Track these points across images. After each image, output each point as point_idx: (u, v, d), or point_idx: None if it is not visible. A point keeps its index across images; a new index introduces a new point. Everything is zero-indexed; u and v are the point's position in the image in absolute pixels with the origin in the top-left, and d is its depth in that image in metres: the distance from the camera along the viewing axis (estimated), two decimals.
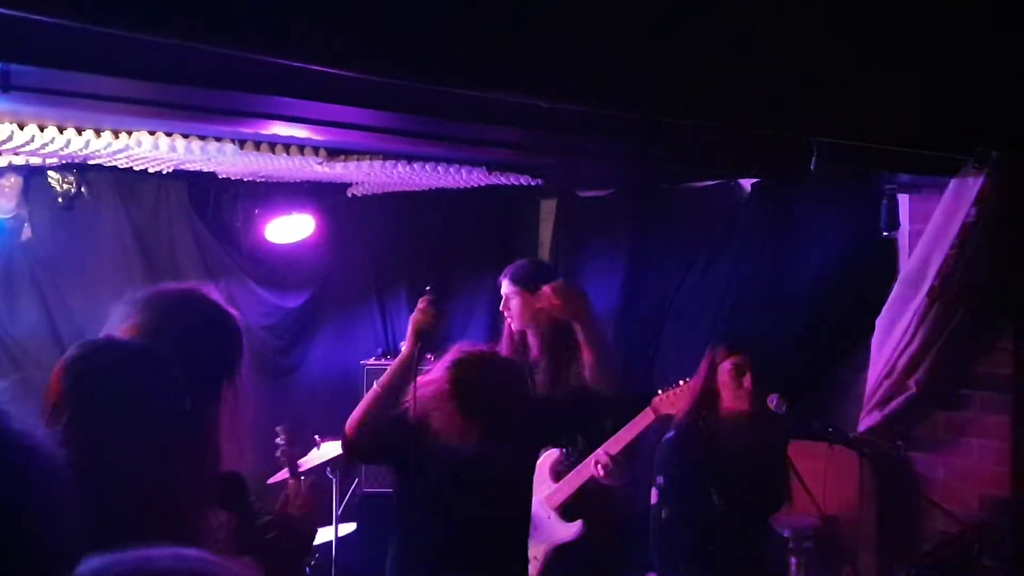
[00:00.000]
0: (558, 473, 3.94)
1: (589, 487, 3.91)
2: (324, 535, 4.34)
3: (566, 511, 3.92)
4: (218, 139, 3.23)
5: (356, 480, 4.73)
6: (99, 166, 3.70)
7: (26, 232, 4.22)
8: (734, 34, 2.69)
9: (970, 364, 3.91)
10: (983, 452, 3.90)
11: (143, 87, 2.22)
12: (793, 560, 4.26)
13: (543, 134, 2.82)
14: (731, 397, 3.60)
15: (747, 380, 3.55)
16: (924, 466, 4.08)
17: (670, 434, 3.72)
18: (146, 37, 1.80)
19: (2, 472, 0.93)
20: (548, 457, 3.94)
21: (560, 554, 3.91)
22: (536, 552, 3.89)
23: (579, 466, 3.89)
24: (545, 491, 3.92)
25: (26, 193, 4.16)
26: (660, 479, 3.68)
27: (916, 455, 4.10)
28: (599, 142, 2.99)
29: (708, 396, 3.67)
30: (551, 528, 3.92)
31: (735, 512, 3.57)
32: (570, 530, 3.90)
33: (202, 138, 3.19)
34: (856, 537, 3.89)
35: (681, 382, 3.84)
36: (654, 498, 3.70)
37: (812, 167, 2.87)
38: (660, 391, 3.90)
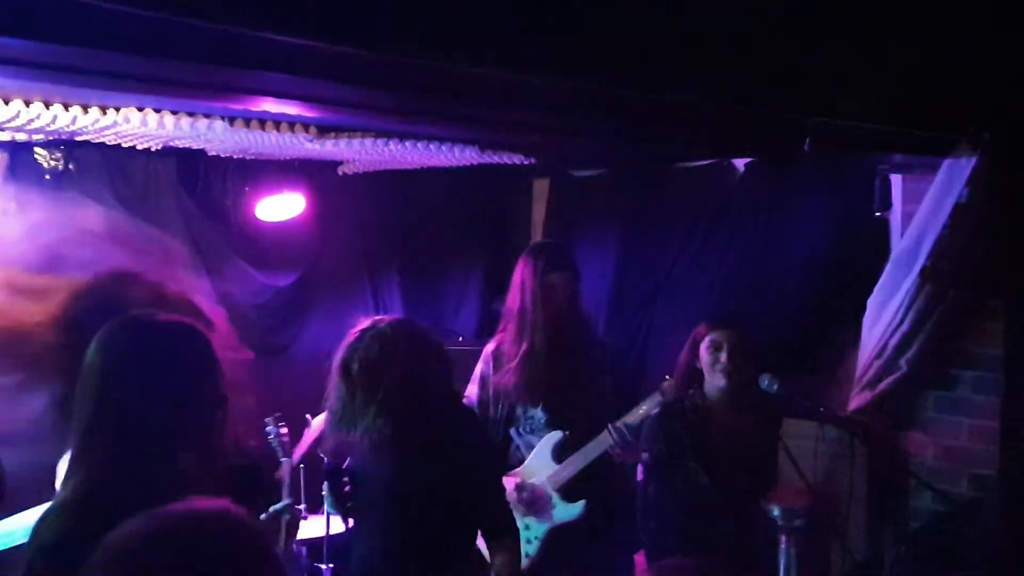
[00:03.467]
0: (561, 455, 3.94)
1: (594, 467, 3.92)
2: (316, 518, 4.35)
3: (569, 491, 3.93)
4: (207, 116, 3.20)
5: (348, 461, 4.73)
6: (87, 143, 3.66)
7: (12, 209, 4.18)
8: (728, 14, 2.68)
9: (961, 344, 3.93)
10: (973, 431, 3.92)
11: (130, 62, 2.19)
12: (783, 538, 4.28)
13: (536, 112, 2.80)
14: (709, 373, 3.63)
15: (723, 356, 3.58)
16: (914, 445, 4.10)
17: (656, 411, 3.74)
18: (134, 10, 1.78)
19: None
20: (551, 439, 3.95)
21: (561, 534, 3.93)
22: (537, 532, 3.91)
23: (584, 447, 3.90)
24: (547, 472, 3.93)
25: (12, 169, 4.12)
26: (645, 455, 3.70)
27: (907, 434, 4.12)
28: (593, 121, 2.97)
29: (692, 374, 3.70)
30: (554, 508, 3.93)
31: (722, 490, 3.58)
32: (573, 510, 3.92)
33: (191, 115, 3.16)
34: (846, 516, 3.91)
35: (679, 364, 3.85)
36: (640, 475, 3.72)
37: (806, 148, 2.86)
38: (668, 376, 3.90)
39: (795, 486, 3.99)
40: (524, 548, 3.90)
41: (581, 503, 3.92)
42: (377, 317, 3.10)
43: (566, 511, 3.93)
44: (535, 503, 3.91)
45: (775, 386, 3.52)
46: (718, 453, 3.65)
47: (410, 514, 2.98)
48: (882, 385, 3.96)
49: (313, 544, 4.15)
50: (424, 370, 2.97)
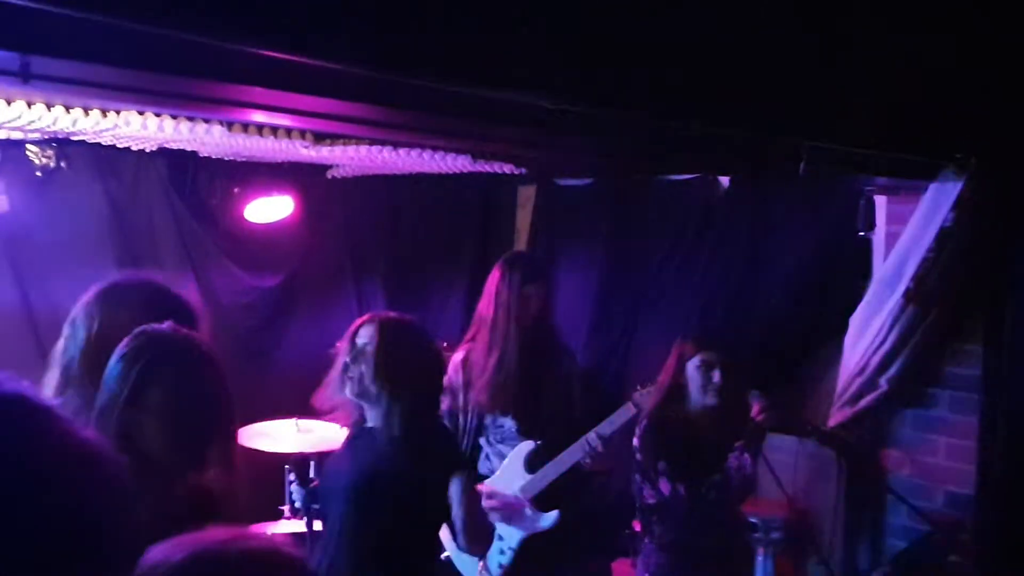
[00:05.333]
0: (533, 464, 3.97)
1: (566, 477, 3.95)
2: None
3: (541, 501, 3.96)
4: (206, 121, 3.21)
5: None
6: (79, 141, 3.65)
7: (2, 205, 4.16)
8: (721, 38, 2.71)
9: (940, 365, 4.01)
10: (950, 450, 4.00)
11: (132, 75, 2.21)
12: (760, 550, 4.34)
13: (532, 130, 2.83)
14: (699, 393, 3.64)
15: (716, 376, 3.60)
16: (891, 462, 4.18)
17: (643, 423, 3.76)
18: (135, 26, 1.79)
19: (64, 480, 0.97)
20: (522, 449, 3.97)
21: (533, 543, 3.96)
22: (511, 542, 3.93)
23: (557, 458, 3.93)
24: (519, 482, 3.95)
25: (3, 166, 4.10)
26: (639, 458, 3.73)
27: (884, 452, 4.19)
28: (586, 139, 3.01)
29: (676, 391, 3.71)
30: (526, 518, 3.95)
31: (701, 503, 3.60)
32: (546, 520, 3.95)
33: (190, 119, 3.16)
34: (824, 530, 3.97)
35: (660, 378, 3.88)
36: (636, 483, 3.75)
37: (800, 171, 2.91)
38: (640, 387, 3.92)
39: (774, 499, 4.05)
40: (498, 558, 3.93)
41: (554, 512, 3.95)
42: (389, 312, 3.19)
43: (540, 520, 3.96)
44: (508, 513, 3.94)
45: (764, 403, 3.56)
46: (701, 466, 3.68)
47: (371, 513, 2.98)
48: (862, 402, 4.03)
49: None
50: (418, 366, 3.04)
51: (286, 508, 4.39)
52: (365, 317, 3.14)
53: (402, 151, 3.85)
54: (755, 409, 3.56)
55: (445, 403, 4.03)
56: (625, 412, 3.92)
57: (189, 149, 3.84)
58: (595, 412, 4.10)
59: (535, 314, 3.99)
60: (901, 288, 3.76)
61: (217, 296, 4.97)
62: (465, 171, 4.31)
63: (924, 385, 4.05)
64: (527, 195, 5.75)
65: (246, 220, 4.83)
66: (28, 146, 4.00)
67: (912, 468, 4.10)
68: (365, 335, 3.03)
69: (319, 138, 3.61)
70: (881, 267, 4.01)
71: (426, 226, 5.65)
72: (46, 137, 3.66)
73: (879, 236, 4.17)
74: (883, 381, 3.97)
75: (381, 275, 5.53)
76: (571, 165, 5.02)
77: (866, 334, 3.96)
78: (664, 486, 3.59)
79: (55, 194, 4.25)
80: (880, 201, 4.15)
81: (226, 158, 4.25)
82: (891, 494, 4.07)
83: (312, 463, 4.23)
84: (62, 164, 4.06)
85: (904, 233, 3.79)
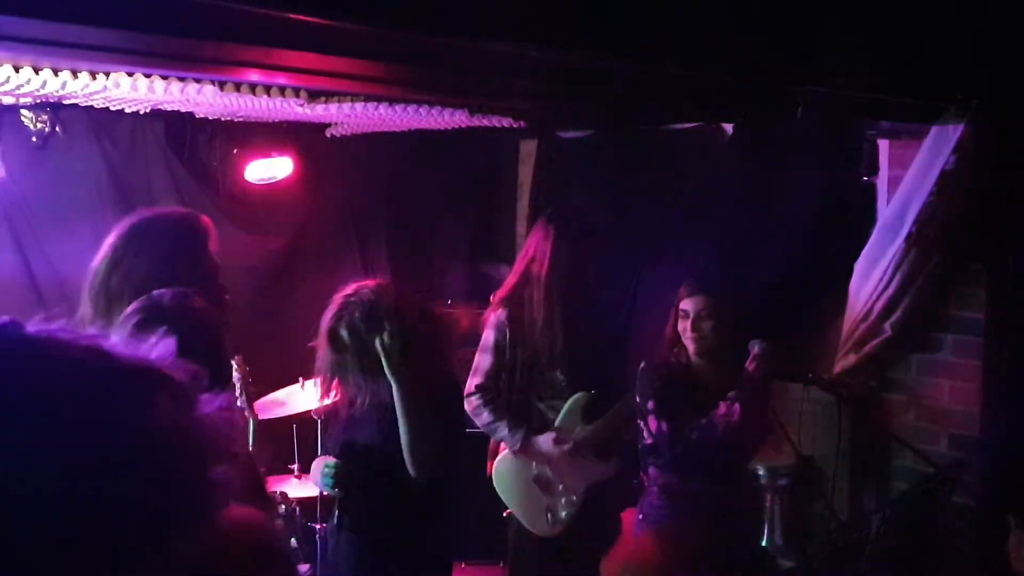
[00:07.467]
0: (589, 415, 3.98)
1: (620, 426, 3.97)
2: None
3: (600, 450, 3.99)
4: (197, 80, 3.18)
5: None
6: (74, 105, 3.64)
7: None
8: None
9: (944, 308, 3.99)
10: (954, 393, 3.99)
11: (121, 36, 2.19)
12: (768, 497, 4.37)
13: (527, 81, 2.80)
14: (690, 339, 3.65)
15: (689, 324, 3.60)
16: (896, 406, 4.18)
17: (642, 365, 3.76)
18: None
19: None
20: (578, 400, 3.98)
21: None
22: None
23: (615, 407, 3.93)
24: (579, 433, 3.97)
25: None
26: (637, 404, 3.74)
27: (889, 396, 4.19)
28: (584, 89, 2.97)
29: (676, 336, 3.72)
30: (587, 468, 4.00)
31: (684, 443, 3.60)
32: (607, 468, 3.99)
33: (181, 79, 3.14)
34: (831, 476, 3.98)
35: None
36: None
37: (798, 116, 2.87)
38: None
39: (780, 446, 4.07)
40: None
41: (614, 460, 3.98)
42: (360, 283, 3.14)
43: (601, 469, 3.99)
44: (575, 463, 3.97)
45: (765, 351, 3.53)
46: (691, 408, 3.67)
47: (394, 473, 3.04)
48: (867, 348, 4.02)
49: (306, 503, 4.21)
50: (411, 332, 3.02)
51: (295, 467, 4.44)
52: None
53: (398, 107, 3.82)
54: (750, 357, 3.55)
55: (489, 363, 4.00)
56: None
57: (184, 110, 3.82)
58: (604, 366, 4.10)
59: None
60: (903, 232, 3.74)
61: (219, 258, 4.96)
62: (463, 126, 4.28)
63: (928, 329, 4.03)
64: (528, 149, 5.71)
65: (246, 181, 4.81)
66: (22, 111, 3.98)
67: (917, 412, 4.10)
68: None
69: (313, 96, 3.58)
70: (884, 212, 3.98)
71: (428, 183, 5.62)
72: (39, 101, 3.64)
73: (882, 180, 4.13)
74: (887, 326, 3.96)
75: (384, 233, 5.52)
76: (571, 117, 4.97)
77: (870, 280, 3.94)
78: (652, 423, 3.60)
79: (52, 159, 4.24)
80: (883, 145, 4.11)
81: (222, 119, 4.23)
82: (896, 439, 4.08)
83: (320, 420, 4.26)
84: (57, 129, 4.05)
85: (906, 177, 3.76)
